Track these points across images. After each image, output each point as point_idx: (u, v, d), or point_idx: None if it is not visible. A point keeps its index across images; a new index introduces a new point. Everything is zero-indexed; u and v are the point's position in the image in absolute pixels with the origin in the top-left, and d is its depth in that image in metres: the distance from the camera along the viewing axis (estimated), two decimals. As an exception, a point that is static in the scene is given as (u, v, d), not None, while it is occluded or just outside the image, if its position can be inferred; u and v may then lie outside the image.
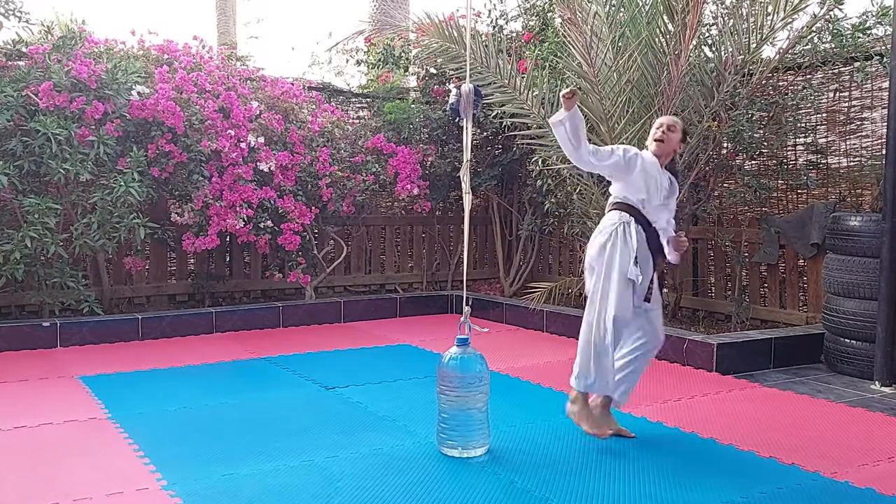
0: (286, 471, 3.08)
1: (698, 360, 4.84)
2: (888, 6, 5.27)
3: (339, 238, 7.09)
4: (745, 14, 5.17)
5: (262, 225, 6.20)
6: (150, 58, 6.23)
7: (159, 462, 3.16)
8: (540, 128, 5.67)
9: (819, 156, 5.73)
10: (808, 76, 5.75)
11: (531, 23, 7.30)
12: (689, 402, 4.14)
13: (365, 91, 8.02)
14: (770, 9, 4.97)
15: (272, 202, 6.26)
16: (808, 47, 5.54)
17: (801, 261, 5.72)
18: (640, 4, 5.24)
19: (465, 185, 3.60)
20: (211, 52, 6.69)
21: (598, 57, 5.23)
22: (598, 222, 3.63)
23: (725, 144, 5.77)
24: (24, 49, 5.55)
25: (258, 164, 6.18)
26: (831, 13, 5.29)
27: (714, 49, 5.45)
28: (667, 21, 5.10)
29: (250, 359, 5.17)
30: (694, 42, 5.06)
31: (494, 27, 7.51)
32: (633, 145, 5.26)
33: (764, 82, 5.64)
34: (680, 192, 3.72)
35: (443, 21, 5.87)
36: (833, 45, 5.44)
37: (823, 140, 5.72)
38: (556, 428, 3.66)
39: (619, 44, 5.27)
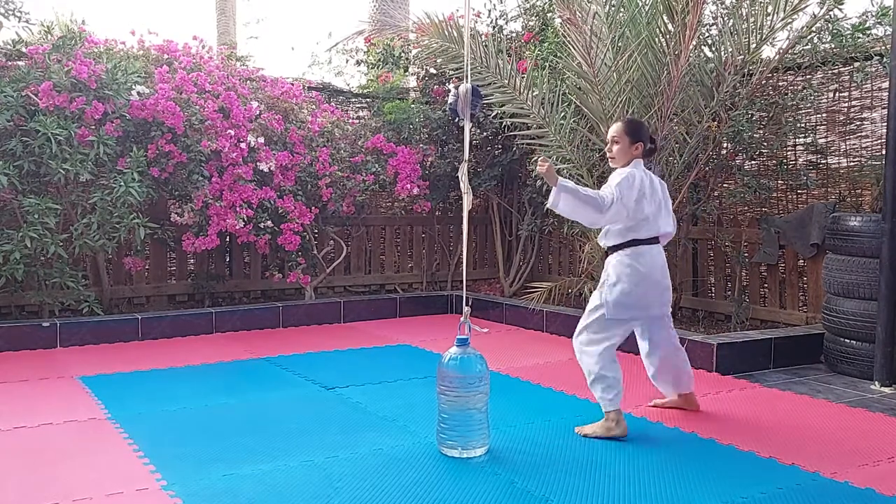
0: (286, 471, 3.08)
1: (698, 361, 4.84)
2: (888, 6, 5.27)
3: (339, 238, 7.09)
4: (744, 14, 5.17)
5: (262, 225, 6.20)
6: (150, 58, 6.23)
7: (159, 462, 3.16)
8: (540, 128, 5.67)
9: (819, 156, 5.72)
10: (807, 76, 5.75)
11: (531, 23, 7.30)
12: (689, 402, 4.14)
13: (365, 91, 8.02)
14: (770, 9, 4.97)
15: (272, 202, 6.26)
16: (807, 47, 5.54)
17: (801, 261, 5.72)
18: (640, 4, 5.23)
19: (465, 185, 3.60)
20: (211, 53, 6.69)
21: (598, 57, 5.24)
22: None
23: (725, 144, 5.76)
24: (24, 49, 5.55)
25: (258, 164, 6.18)
26: (831, 13, 5.29)
27: (714, 49, 5.45)
28: (667, 21, 5.10)
29: (250, 359, 5.17)
30: (694, 42, 5.06)
31: (494, 27, 7.51)
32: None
33: (764, 82, 5.64)
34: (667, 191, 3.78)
35: (442, 21, 5.88)
36: (833, 46, 5.44)
37: (823, 140, 5.72)
38: (556, 428, 3.66)
39: (619, 44, 5.27)
